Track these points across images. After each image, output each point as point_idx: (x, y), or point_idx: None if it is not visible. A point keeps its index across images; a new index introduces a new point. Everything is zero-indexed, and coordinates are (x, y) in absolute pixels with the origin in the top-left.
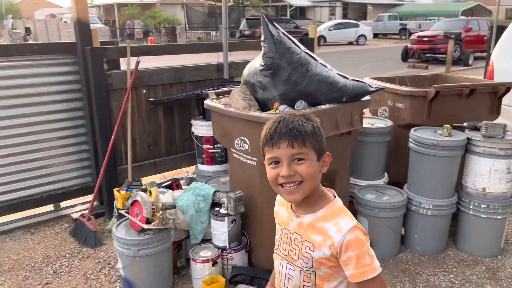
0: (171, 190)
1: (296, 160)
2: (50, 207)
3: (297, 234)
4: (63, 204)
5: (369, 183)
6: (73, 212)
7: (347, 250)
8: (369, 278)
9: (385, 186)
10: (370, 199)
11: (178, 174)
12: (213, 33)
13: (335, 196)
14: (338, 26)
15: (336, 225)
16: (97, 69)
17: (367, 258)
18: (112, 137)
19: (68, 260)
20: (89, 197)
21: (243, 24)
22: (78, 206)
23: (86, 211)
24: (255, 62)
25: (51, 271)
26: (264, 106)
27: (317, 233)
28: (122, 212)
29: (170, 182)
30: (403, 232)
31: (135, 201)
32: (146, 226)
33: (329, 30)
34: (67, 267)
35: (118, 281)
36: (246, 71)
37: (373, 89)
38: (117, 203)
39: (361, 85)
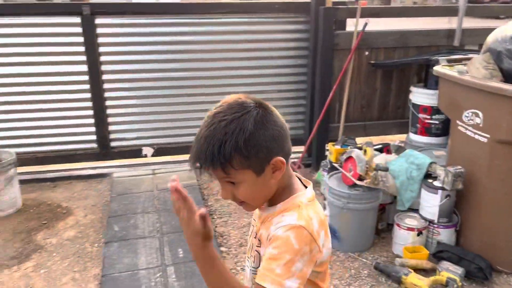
0: (383, 154)
1: (227, 182)
2: None
3: (255, 227)
4: None
5: None
6: None
7: (270, 243)
8: (260, 284)
9: None
10: None
11: (383, 140)
12: None
13: (306, 187)
14: None
15: (280, 217)
16: (326, 28)
17: (281, 266)
18: (330, 95)
19: None
20: (299, 148)
21: None
22: None
23: (296, 160)
24: (507, 28)
25: None
26: (509, 77)
27: (266, 228)
28: (336, 165)
29: (381, 146)
30: None
31: (349, 157)
32: (358, 182)
33: None
34: None
35: None
36: (491, 38)
37: None
38: (331, 157)
39: None
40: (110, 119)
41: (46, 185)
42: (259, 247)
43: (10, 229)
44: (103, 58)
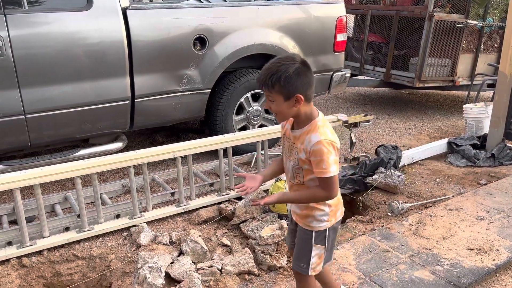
0: None
1: (270, 100)
2: None
3: (293, 142)
4: None
5: None
6: None
7: (311, 156)
8: (322, 177)
9: None
10: None
11: None
12: None
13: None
14: None
15: (308, 138)
16: None
17: (324, 164)
18: None
19: None
20: None
21: None
22: None
23: None
24: None
25: None
26: None
27: (300, 142)
28: None
29: None
30: None
31: None
32: None
33: None
34: None
35: None
36: None
37: None
38: None
39: None
40: None
41: None
42: (298, 154)
43: None
44: None
